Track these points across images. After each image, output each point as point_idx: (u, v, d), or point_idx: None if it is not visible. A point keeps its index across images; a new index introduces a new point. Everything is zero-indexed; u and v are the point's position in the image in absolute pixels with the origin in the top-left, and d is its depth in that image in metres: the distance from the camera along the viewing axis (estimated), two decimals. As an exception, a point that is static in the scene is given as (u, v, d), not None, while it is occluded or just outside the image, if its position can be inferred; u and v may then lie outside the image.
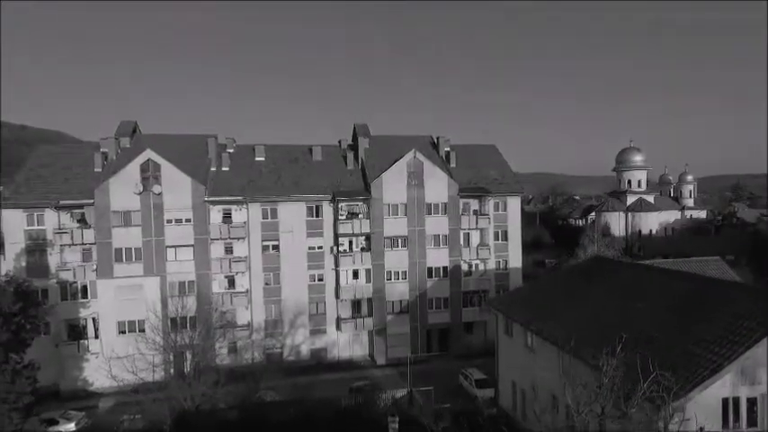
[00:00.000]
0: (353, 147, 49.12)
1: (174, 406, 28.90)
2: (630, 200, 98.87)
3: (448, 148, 50.04)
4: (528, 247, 60.95)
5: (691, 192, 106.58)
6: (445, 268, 45.20)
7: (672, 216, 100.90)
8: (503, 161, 51.44)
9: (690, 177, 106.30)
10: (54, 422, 32.06)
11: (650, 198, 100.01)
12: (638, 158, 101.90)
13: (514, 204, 47.88)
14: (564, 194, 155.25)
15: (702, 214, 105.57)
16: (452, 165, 48.54)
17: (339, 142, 50.41)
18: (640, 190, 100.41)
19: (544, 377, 26.65)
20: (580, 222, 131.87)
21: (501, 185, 47.80)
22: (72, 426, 32.38)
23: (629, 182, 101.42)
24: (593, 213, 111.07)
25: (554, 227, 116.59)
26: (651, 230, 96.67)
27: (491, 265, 46.69)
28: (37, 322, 29.87)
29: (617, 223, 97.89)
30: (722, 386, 17.47)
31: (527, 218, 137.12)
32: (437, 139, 50.41)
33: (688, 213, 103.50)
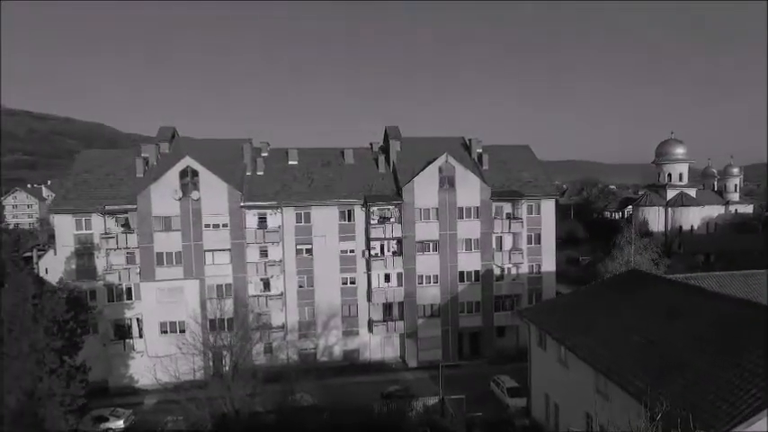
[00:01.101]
0: (385, 149, 49.20)
1: (215, 409, 30.19)
2: (671, 194, 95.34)
3: (480, 150, 49.52)
4: (561, 242, 59.65)
5: (736, 186, 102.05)
6: (477, 272, 45.07)
7: (715, 211, 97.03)
8: (536, 162, 50.56)
9: (735, 170, 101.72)
10: (104, 419, 33.95)
11: (692, 192, 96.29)
12: (679, 151, 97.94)
13: (548, 207, 47.09)
14: (599, 185, 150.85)
15: (749, 209, 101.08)
16: (485, 167, 48.04)
17: (371, 145, 50.58)
18: (681, 183, 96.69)
19: (578, 393, 26.46)
20: (616, 215, 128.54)
21: (535, 188, 47.05)
22: (121, 423, 34.22)
23: (670, 175, 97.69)
24: (631, 207, 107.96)
25: (589, 220, 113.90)
26: (692, 226, 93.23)
27: (524, 269, 46.25)
28: (88, 326, 31.51)
29: (656, 219, 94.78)
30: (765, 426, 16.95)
31: (560, 210, 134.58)
32: (469, 140, 49.92)
33: (732, 208, 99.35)
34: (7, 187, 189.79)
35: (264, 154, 47.78)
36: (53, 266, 61.55)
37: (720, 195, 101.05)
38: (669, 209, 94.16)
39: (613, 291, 29.07)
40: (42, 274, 73.01)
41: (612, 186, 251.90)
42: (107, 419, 34.00)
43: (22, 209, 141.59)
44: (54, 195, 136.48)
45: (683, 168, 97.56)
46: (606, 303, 28.06)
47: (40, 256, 77.18)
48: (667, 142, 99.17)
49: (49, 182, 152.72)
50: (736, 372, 19.00)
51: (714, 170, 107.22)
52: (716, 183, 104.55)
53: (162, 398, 38.49)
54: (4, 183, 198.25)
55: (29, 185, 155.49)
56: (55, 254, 55.31)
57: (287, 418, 30.47)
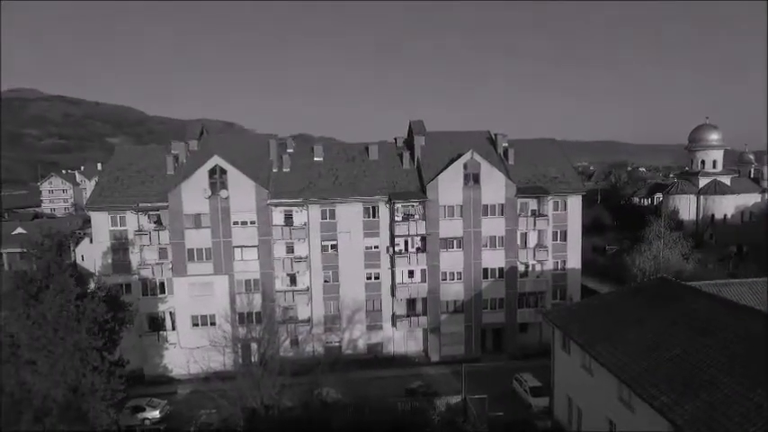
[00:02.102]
0: (409, 144, 49.16)
1: (245, 403, 31.50)
2: (703, 182, 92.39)
3: (506, 144, 49.00)
4: (586, 230, 58.35)
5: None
6: (501, 269, 45.12)
7: (750, 199, 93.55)
8: (563, 156, 49.78)
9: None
10: (141, 409, 35.79)
11: (726, 180, 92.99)
12: (713, 137, 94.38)
13: (575, 203, 46.50)
14: (628, 168, 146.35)
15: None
16: (510, 162, 47.58)
17: (395, 140, 50.58)
18: (715, 171, 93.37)
19: (601, 400, 26.61)
20: (645, 202, 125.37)
21: (561, 184, 46.45)
22: (156, 413, 36.02)
23: (703, 162, 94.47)
24: (661, 195, 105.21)
25: (616, 207, 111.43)
26: (726, 215, 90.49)
27: (548, 265, 46.04)
28: (125, 324, 33.06)
29: (687, 208, 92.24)
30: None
31: (587, 196, 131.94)
32: (495, 135, 49.40)
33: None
34: (44, 171, 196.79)
35: (290, 150, 48.40)
36: (89, 254, 64.33)
37: (757, 183, 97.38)
38: (701, 197, 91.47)
39: (642, 299, 28.78)
40: (79, 260, 76.38)
41: (642, 169, 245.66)
42: (143, 409, 35.80)
43: (57, 194, 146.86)
44: (86, 181, 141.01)
45: (718, 155, 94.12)
46: (634, 312, 27.83)
47: (77, 243, 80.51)
48: (701, 128, 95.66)
49: (82, 167, 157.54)
50: (765, 395, 18.80)
51: (751, 156, 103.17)
52: (753, 169, 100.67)
53: (195, 388, 40.28)
54: (42, 167, 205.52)
55: (63, 171, 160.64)
56: (90, 242, 57.67)
57: (313, 414, 31.62)
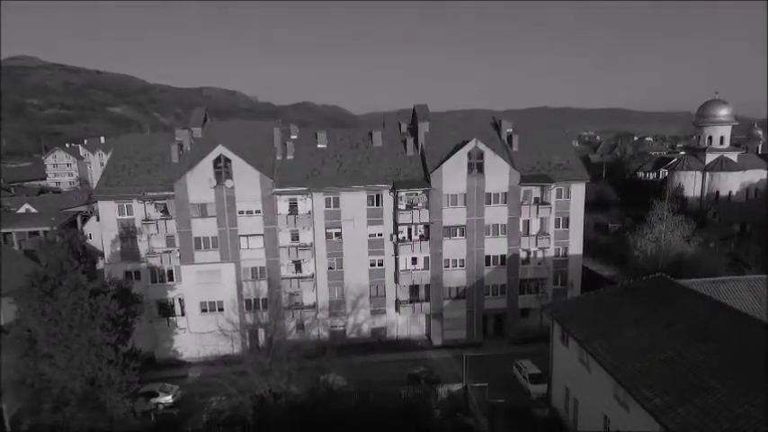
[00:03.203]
0: (413, 130, 48.91)
1: (254, 391, 32.76)
2: (710, 158, 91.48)
3: (510, 130, 48.71)
4: (590, 206, 58.33)
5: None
6: (503, 257, 45.71)
7: (757, 176, 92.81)
8: (568, 143, 49.57)
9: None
10: (154, 395, 37.24)
11: (733, 156, 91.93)
12: (723, 112, 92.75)
13: (578, 190, 46.53)
14: (635, 138, 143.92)
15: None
16: (514, 148, 47.43)
17: (399, 125, 50.29)
18: (722, 147, 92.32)
19: (597, 395, 27.55)
20: (651, 176, 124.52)
21: (565, 171, 46.40)
22: (169, 398, 37.51)
23: (710, 138, 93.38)
24: (666, 170, 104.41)
25: (621, 181, 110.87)
26: (731, 192, 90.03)
27: (550, 252, 46.58)
28: (137, 315, 34.06)
29: (692, 184, 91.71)
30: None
31: (592, 169, 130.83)
32: (499, 121, 49.04)
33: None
34: (48, 142, 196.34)
35: (294, 136, 48.32)
36: (97, 232, 65.31)
37: (765, 159, 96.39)
38: (707, 174, 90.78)
39: (640, 299, 29.29)
40: (87, 239, 77.40)
41: (649, 139, 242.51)
42: (157, 395, 37.25)
43: (62, 168, 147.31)
44: (90, 155, 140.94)
45: (726, 131, 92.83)
46: (632, 311, 28.39)
47: (84, 222, 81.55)
48: (710, 103, 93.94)
49: (85, 141, 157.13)
50: (756, 403, 19.45)
51: (760, 132, 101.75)
52: (761, 145, 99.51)
53: (204, 371, 41.80)
54: (45, 138, 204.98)
55: (67, 144, 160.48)
56: (97, 220, 58.39)
57: (320, 401, 32.92)
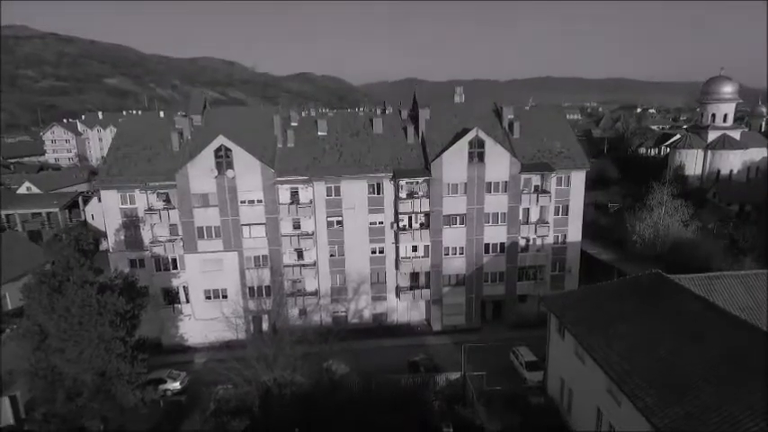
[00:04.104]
0: (414, 117, 48.65)
1: (258, 380, 33.83)
2: (713, 136, 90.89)
3: (511, 116, 48.45)
4: (590, 185, 56.68)
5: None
6: (502, 245, 46.24)
7: (760, 154, 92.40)
8: (568, 129, 49.37)
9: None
10: (162, 381, 38.39)
11: (736, 134, 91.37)
12: (728, 89, 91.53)
13: (579, 178, 46.64)
14: (638, 110, 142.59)
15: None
16: (516, 135, 47.30)
17: (399, 111, 49.96)
18: (725, 125, 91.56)
19: (591, 387, 28.49)
20: (652, 152, 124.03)
21: (566, 159, 46.39)
22: (177, 384, 38.68)
23: (714, 116, 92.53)
24: (668, 148, 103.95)
25: (622, 158, 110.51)
26: (732, 171, 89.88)
27: (549, 239, 47.07)
28: (144, 307, 34.79)
29: (693, 163, 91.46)
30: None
31: (594, 144, 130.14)
32: (501, 107, 48.71)
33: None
34: (44, 115, 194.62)
35: (294, 123, 48.10)
36: (98, 212, 65.76)
37: (767, 137, 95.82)
38: (709, 152, 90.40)
39: (636, 295, 29.84)
40: (89, 220, 77.97)
41: (652, 110, 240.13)
42: (165, 381, 38.40)
43: (60, 144, 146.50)
44: (88, 131, 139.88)
45: (729, 108, 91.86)
46: (627, 308, 28.97)
47: (85, 203, 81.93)
48: (715, 80, 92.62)
49: (83, 116, 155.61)
50: (741, 407, 20.20)
51: (764, 109, 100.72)
52: (764, 122, 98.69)
53: (210, 357, 42.92)
54: (42, 110, 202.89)
55: (64, 120, 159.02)
56: (99, 201, 58.67)
57: (323, 389, 34.07)
